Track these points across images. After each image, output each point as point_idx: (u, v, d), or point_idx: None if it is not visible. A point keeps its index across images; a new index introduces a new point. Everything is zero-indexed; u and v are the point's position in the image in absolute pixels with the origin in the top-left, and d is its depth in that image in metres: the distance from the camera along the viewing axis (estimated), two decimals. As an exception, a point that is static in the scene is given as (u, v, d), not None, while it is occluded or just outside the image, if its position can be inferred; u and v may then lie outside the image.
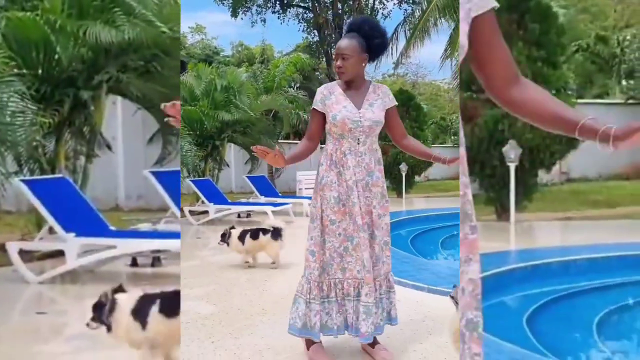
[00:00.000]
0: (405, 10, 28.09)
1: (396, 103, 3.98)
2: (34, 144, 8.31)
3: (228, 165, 18.45)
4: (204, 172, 16.82)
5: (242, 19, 29.64)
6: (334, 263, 3.78)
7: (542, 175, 12.98)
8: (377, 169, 3.82)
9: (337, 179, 3.79)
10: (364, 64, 3.83)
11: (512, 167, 10.30)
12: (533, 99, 1.89)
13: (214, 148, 17.32)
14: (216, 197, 13.63)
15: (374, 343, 3.90)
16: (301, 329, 3.81)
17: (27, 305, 6.08)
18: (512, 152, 10.20)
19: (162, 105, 3.57)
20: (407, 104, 21.46)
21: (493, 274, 6.25)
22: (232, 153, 21.50)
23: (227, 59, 37.51)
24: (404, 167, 19.56)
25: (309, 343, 3.97)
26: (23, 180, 7.03)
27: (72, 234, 6.53)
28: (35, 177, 8.34)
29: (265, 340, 4.40)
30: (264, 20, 30.27)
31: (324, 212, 3.81)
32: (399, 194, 20.61)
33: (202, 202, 13.55)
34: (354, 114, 3.77)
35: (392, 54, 25.15)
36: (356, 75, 3.83)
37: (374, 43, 3.80)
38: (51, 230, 7.08)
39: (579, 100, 17.32)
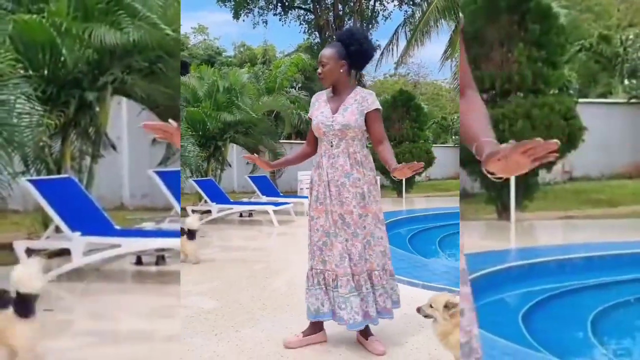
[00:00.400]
0: (406, 11, 28.09)
1: (377, 107, 4.04)
2: (41, 144, 8.39)
3: (230, 166, 18.56)
4: (206, 172, 16.92)
5: (244, 20, 29.62)
6: (315, 255, 4.08)
7: (545, 175, 13.04)
8: (356, 171, 3.98)
9: (318, 179, 4.07)
10: (342, 70, 4.00)
11: (512, 167, 10.37)
12: (463, 118, 1.88)
13: (217, 148, 17.44)
14: (219, 196, 13.75)
15: (367, 335, 4.09)
16: (310, 314, 4.14)
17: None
18: (512, 152, 10.27)
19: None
20: (407, 105, 21.64)
21: (490, 272, 6.34)
22: (234, 153, 21.61)
23: (229, 59, 37.59)
24: (403, 168, 19.64)
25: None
26: (30, 180, 7.11)
27: (78, 233, 6.60)
28: (41, 177, 8.44)
29: (266, 333, 4.53)
30: (266, 22, 30.26)
31: (309, 208, 4.15)
32: (399, 194, 20.79)
33: (205, 201, 13.68)
34: (328, 118, 4.00)
35: (392, 54, 25.57)
36: (336, 80, 4.04)
37: (351, 50, 3.98)
38: (57, 229, 7.15)
39: (582, 100, 17.40)
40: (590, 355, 5.00)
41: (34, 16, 7.91)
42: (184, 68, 28.70)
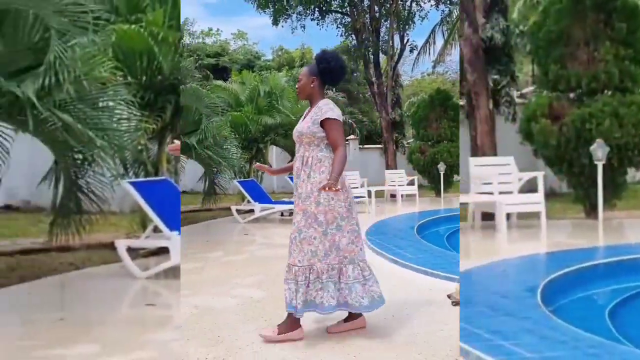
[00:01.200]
0: (443, 11, 27.64)
1: (328, 117, 4.39)
2: (139, 148, 8.78)
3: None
4: (248, 174, 17.51)
5: (282, 26, 29.53)
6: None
7: (635, 173, 12.79)
8: (303, 172, 4.44)
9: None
10: (312, 85, 4.51)
11: (599, 165, 10.29)
12: None
13: (258, 151, 18.29)
14: (261, 197, 14.33)
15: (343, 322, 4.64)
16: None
17: (135, 298, 6.51)
18: (599, 151, 10.18)
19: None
20: (444, 104, 21.72)
21: (578, 268, 6.37)
22: (274, 155, 22.52)
23: (268, 63, 38.27)
24: (442, 167, 19.72)
25: None
26: (130, 182, 7.50)
27: (176, 232, 6.92)
28: (140, 179, 8.83)
29: (310, 318, 4.82)
30: (304, 27, 30.16)
31: None
32: (438, 193, 20.88)
33: (248, 201, 14.23)
34: (297, 126, 4.52)
35: (429, 54, 25.78)
36: (309, 94, 4.57)
37: (320, 68, 4.48)
38: (156, 229, 7.51)
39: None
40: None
41: (133, 26, 8.32)
42: (225, 73, 29.32)
